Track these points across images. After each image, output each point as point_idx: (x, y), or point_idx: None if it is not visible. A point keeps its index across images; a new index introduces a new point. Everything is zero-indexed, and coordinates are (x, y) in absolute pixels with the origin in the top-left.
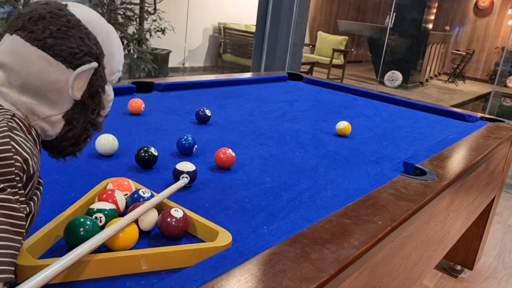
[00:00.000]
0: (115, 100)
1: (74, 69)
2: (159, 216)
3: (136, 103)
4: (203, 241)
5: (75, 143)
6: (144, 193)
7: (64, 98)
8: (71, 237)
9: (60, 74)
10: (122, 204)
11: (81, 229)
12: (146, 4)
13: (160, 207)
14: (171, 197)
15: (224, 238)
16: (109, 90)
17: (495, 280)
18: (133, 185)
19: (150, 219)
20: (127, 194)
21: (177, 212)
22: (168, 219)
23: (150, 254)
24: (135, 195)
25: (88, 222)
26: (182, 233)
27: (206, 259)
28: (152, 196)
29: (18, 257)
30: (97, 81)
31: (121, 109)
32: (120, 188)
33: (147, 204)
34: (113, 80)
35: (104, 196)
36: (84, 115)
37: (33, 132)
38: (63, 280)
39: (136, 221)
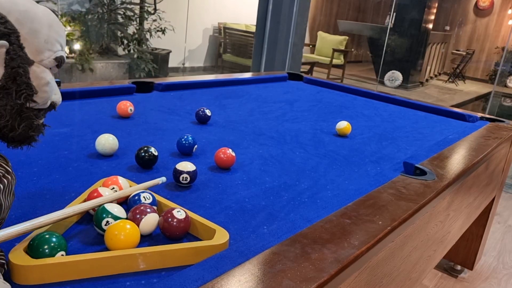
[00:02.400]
0: (115, 100)
1: None
2: (160, 217)
3: (124, 105)
4: (200, 240)
5: (12, 129)
6: (145, 199)
7: None
8: (35, 254)
9: None
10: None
11: (46, 247)
12: (146, 4)
13: (161, 208)
14: (172, 197)
15: (221, 236)
16: (39, 72)
17: (495, 280)
18: (122, 182)
19: (150, 223)
20: (114, 188)
21: (179, 213)
22: (170, 220)
23: (148, 252)
24: (136, 197)
25: (54, 239)
26: (184, 234)
27: (206, 259)
28: (154, 200)
29: (16, 257)
30: (12, 61)
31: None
32: (108, 185)
33: (116, 194)
34: (43, 61)
35: (95, 194)
36: (10, 100)
37: None
38: (62, 280)
39: (138, 224)
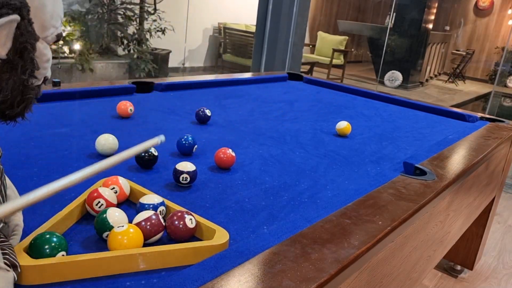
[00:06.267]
0: (115, 100)
1: None
2: (169, 216)
3: (124, 105)
4: (200, 240)
5: (11, 106)
6: (161, 213)
7: None
8: (35, 254)
9: None
10: (113, 199)
11: (46, 247)
12: (146, 4)
13: (168, 210)
14: (172, 197)
15: (221, 236)
16: (43, 48)
17: (495, 280)
18: (122, 182)
19: (156, 238)
20: (114, 188)
21: (192, 222)
22: (181, 226)
23: (148, 252)
24: (150, 207)
25: (54, 239)
26: (187, 239)
27: (206, 259)
28: (163, 202)
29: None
30: (22, 36)
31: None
32: (108, 185)
33: (122, 155)
34: (47, 37)
35: (95, 194)
36: (14, 75)
37: None
38: (62, 280)
39: (147, 235)
